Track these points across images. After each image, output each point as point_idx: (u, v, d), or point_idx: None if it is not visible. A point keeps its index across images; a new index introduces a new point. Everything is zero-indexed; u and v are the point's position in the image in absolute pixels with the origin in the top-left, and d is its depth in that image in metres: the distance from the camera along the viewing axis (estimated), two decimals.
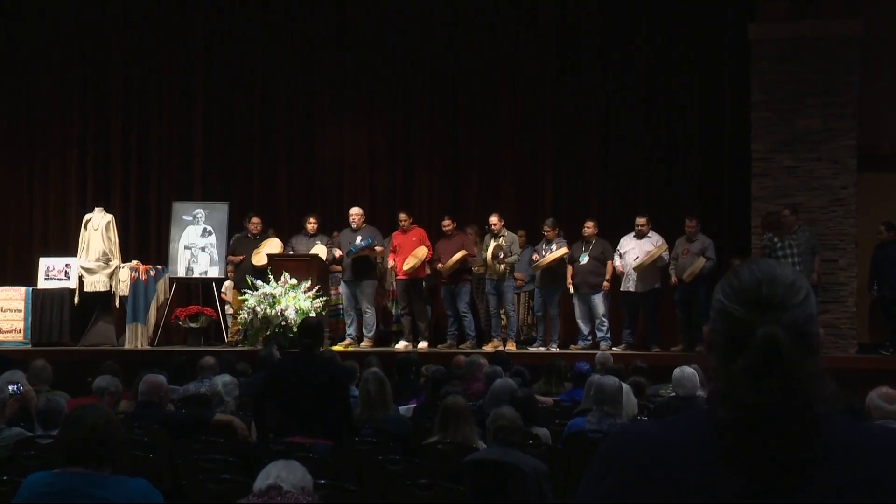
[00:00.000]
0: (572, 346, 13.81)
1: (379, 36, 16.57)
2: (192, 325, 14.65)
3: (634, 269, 13.45)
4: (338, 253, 14.04)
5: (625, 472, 1.78)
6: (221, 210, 15.46)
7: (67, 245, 15.88)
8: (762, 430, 1.69)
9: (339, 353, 12.03)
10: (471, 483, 5.51)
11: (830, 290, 13.46)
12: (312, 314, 12.81)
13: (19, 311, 14.57)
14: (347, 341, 13.94)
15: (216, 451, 6.37)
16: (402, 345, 13.86)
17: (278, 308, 13.08)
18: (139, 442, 6.49)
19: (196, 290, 15.73)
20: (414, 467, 6.09)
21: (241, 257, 14.45)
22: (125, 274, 14.54)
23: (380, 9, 16.53)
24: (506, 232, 13.75)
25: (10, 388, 6.99)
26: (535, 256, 13.75)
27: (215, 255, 15.17)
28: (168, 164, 16.97)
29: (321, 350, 10.90)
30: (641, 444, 1.80)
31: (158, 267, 14.95)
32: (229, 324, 14.62)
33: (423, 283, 14.13)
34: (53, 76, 17.07)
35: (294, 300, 13.11)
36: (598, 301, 13.58)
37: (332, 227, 15.19)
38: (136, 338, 14.27)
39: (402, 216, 14.02)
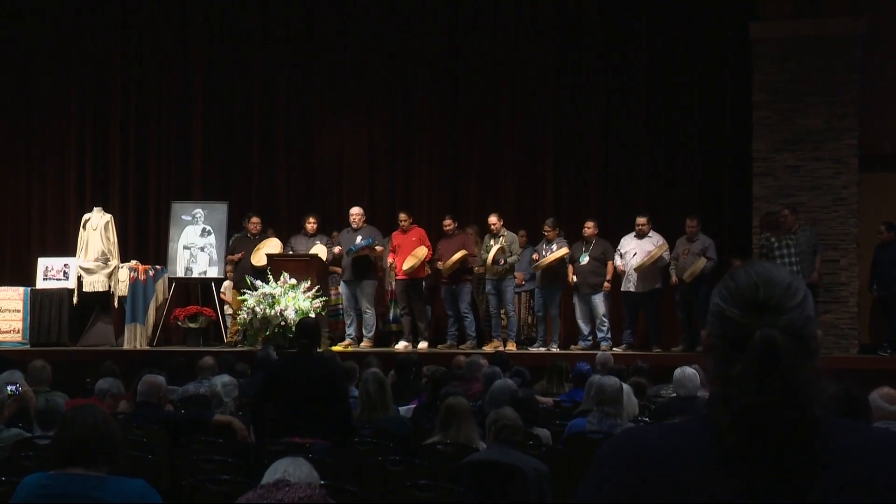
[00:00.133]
0: (573, 347, 13.78)
1: (379, 36, 16.54)
2: (191, 325, 14.62)
3: (635, 269, 13.42)
4: (337, 249, 14.01)
5: (623, 477, 1.77)
6: (221, 210, 15.44)
7: (66, 245, 15.86)
8: (761, 433, 1.69)
9: (339, 353, 12.00)
10: (471, 484, 5.47)
11: (832, 290, 13.44)
12: (312, 314, 12.77)
13: (18, 311, 14.55)
14: (347, 341, 13.92)
15: (215, 452, 6.35)
16: (401, 345, 13.83)
17: (278, 308, 13.04)
18: (138, 442, 6.46)
19: (195, 291, 15.70)
20: (414, 468, 6.06)
21: (240, 255, 14.42)
22: (124, 274, 14.51)
23: (380, 8, 16.50)
24: (505, 231, 13.73)
25: (9, 388, 6.97)
26: (535, 256, 13.72)
27: (214, 255, 15.14)
28: (167, 163, 16.95)
29: (320, 350, 10.93)
30: (640, 450, 1.79)
31: (157, 267, 14.93)
32: (228, 324, 14.59)
33: (423, 283, 14.10)
34: (52, 76, 17.04)
35: (293, 300, 13.07)
36: (599, 301, 13.55)
37: (332, 227, 15.17)
38: (135, 338, 14.25)
39: (402, 216, 14.00)
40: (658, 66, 15.54)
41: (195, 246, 15.22)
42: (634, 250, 13.56)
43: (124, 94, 16.98)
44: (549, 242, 13.61)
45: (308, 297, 13.17)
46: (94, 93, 17.06)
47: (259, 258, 14.14)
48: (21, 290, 14.77)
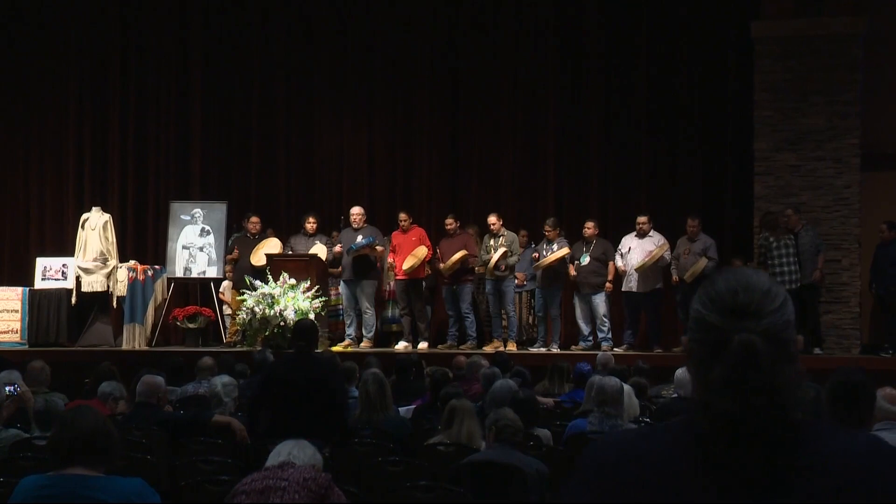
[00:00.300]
0: (573, 347, 13.76)
1: (379, 36, 16.51)
2: (190, 325, 14.58)
3: (636, 269, 13.39)
4: (337, 248, 13.97)
5: (601, 482, 1.78)
6: (220, 210, 15.40)
7: (64, 245, 15.82)
8: (740, 438, 1.69)
9: (339, 353, 11.96)
10: (471, 484, 5.44)
11: (833, 290, 13.42)
12: (311, 315, 12.74)
13: (16, 311, 14.51)
14: (347, 342, 13.88)
15: (214, 453, 6.33)
16: (401, 345, 13.80)
17: (277, 308, 13.00)
18: (137, 443, 6.43)
19: (194, 291, 15.67)
20: (414, 468, 6.05)
21: (236, 253, 14.38)
22: (123, 274, 14.47)
23: (380, 8, 16.47)
24: (505, 231, 13.70)
25: (7, 389, 6.94)
26: (534, 256, 13.69)
27: (213, 255, 15.11)
28: (166, 163, 16.91)
29: (319, 351, 10.90)
30: (619, 454, 1.80)
31: (156, 267, 14.90)
32: (227, 324, 14.55)
33: (423, 284, 14.07)
34: (51, 75, 17.01)
35: (293, 300, 13.04)
36: (600, 301, 13.52)
37: (332, 226, 15.14)
38: (134, 338, 14.21)
39: (402, 216, 13.97)
40: (659, 65, 15.52)
41: (194, 246, 15.18)
42: (635, 250, 13.52)
43: (123, 94, 16.94)
44: (550, 242, 13.59)
45: (307, 297, 13.13)
46: (92, 92, 17.01)
47: (258, 258, 14.10)
48: (19, 290, 14.73)
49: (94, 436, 3.91)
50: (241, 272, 14.05)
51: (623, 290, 13.63)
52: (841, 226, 13.52)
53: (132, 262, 14.74)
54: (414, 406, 8.78)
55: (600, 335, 13.55)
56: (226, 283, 14.80)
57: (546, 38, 16.01)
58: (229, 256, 14.63)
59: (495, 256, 13.41)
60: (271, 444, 5.72)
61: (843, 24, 13.52)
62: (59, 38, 16.99)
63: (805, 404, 1.62)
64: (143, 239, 16.71)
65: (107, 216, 14.90)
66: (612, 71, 15.77)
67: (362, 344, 13.79)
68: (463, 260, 13.52)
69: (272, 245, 14.40)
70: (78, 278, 14.60)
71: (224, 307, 14.73)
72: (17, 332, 14.45)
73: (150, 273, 14.52)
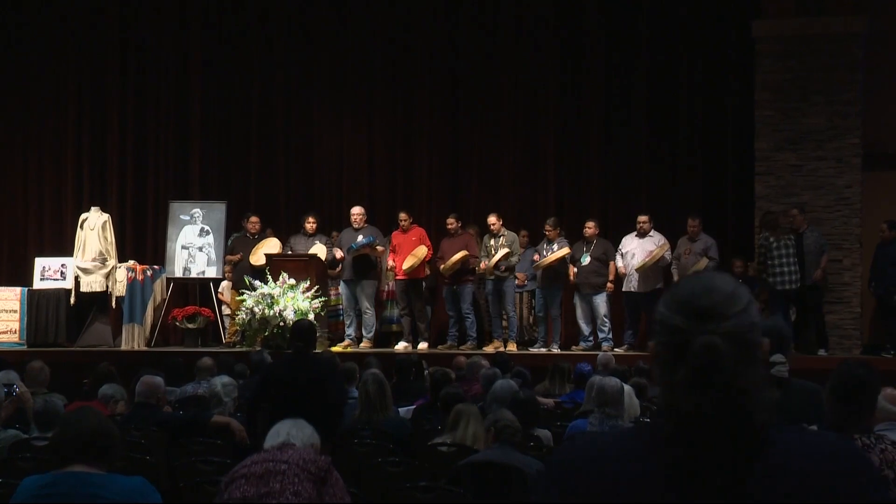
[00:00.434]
0: (573, 347, 13.73)
1: (379, 35, 16.48)
2: (190, 325, 14.55)
3: (637, 269, 13.36)
4: (338, 254, 13.94)
5: (567, 484, 1.80)
6: (219, 209, 15.37)
7: (63, 245, 15.80)
8: (702, 440, 1.70)
9: (339, 353, 11.93)
10: (471, 485, 5.42)
11: (835, 290, 13.39)
12: (311, 315, 12.71)
13: (15, 311, 14.47)
14: (346, 342, 13.86)
15: (214, 453, 6.30)
16: (401, 346, 13.77)
17: (276, 309, 12.97)
18: (136, 444, 6.40)
19: (193, 291, 15.65)
20: (414, 469, 6.04)
21: (239, 255, 14.36)
22: (122, 274, 14.44)
23: (380, 8, 16.44)
24: (505, 231, 13.67)
25: (6, 389, 6.91)
26: (535, 256, 13.67)
27: (213, 255, 15.07)
28: (165, 162, 16.88)
29: (319, 351, 10.88)
30: (582, 459, 1.82)
31: (155, 267, 14.87)
32: (227, 324, 14.52)
33: (423, 284, 14.04)
34: (50, 75, 16.97)
35: (292, 301, 13.00)
36: (601, 301, 13.49)
37: (331, 226, 15.11)
38: (133, 339, 14.18)
39: (403, 215, 13.94)
40: (659, 64, 15.49)
41: (193, 246, 15.15)
42: (636, 250, 13.50)
43: (122, 93, 16.91)
44: (550, 242, 13.56)
45: (307, 297, 13.10)
46: (92, 92, 16.98)
47: (258, 258, 14.07)
48: (18, 290, 14.69)
49: (95, 435, 3.93)
50: (240, 272, 14.02)
51: (623, 290, 13.60)
52: (842, 226, 13.50)
53: (131, 262, 14.71)
54: (413, 407, 8.74)
55: (601, 335, 13.52)
56: (225, 284, 14.78)
57: (546, 37, 15.98)
58: (230, 257, 14.58)
59: (497, 255, 13.38)
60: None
61: (844, 24, 13.50)
62: (58, 37, 16.94)
63: (770, 406, 1.63)
64: (142, 239, 16.68)
65: (106, 216, 14.88)
66: (612, 71, 15.74)
67: (362, 344, 13.77)
68: (464, 260, 13.49)
69: (271, 245, 14.37)
70: (77, 278, 14.57)
71: (223, 307, 14.70)
72: (15, 333, 14.42)
73: (149, 273, 14.49)
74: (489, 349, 13.19)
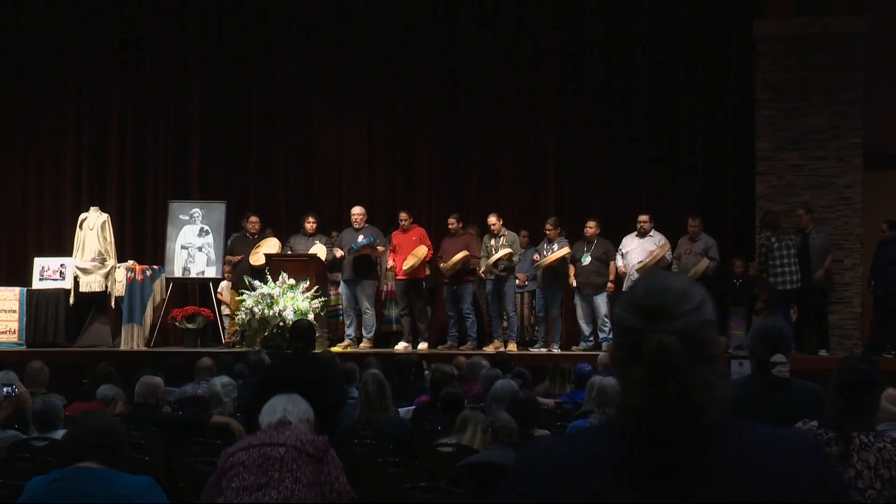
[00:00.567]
0: (574, 348, 13.70)
1: (379, 34, 16.46)
2: (189, 325, 14.53)
3: (637, 270, 13.32)
4: (339, 253, 13.92)
5: (522, 488, 1.82)
6: (219, 209, 15.33)
7: (62, 245, 15.78)
8: (655, 438, 1.72)
9: (338, 354, 11.91)
10: (470, 485, 5.40)
11: (836, 290, 13.36)
12: (311, 315, 12.69)
13: (14, 311, 14.45)
14: (346, 342, 13.83)
15: (213, 454, 6.26)
16: (401, 346, 13.75)
17: (276, 309, 12.95)
18: (136, 444, 6.38)
19: (193, 291, 15.62)
20: (413, 469, 6.04)
21: (240, 257, 14.33)
22: (121, 274, 14.42)
23: (380, 8, 16.42)
24: (506, 231, 13.64)
25: (5, 389, 6.90)
26: (535, 256, 13.65)
27: (212, 255, 15.04)
28: (164, 162, 16.85)
29: (318, 352, 10.86)
30: (538, 459, 1.84)
31: (155, 267, 14.84)
32: (226, 325, 14.50)
33: (423, 284, 14.02)
34: (49, 74, 16.94)
35: (292, 301, 12.98)
36: (601, 301, 13.46)
37: (331, 226, 15.08)
38: (132, 339, 14.15)
39: (403, 215, 13.92)
40: (660, 64, 15.47)
41: (193, 246, 15.12)
42: (636, 250, 13.47)
43: (122, 93, 16.88)
44: (551, 242, 13.54)
45: (307, 297, 13.08)
46: (91, 92, 16.95)
47: (257, 258, 14.05)
48: (17, 290, 14.67)
49: (104, 434, 4.00)
50: (240, 272, 13.99)
51: (624, 290, 13.55)
52: (843, 225, 13.47)
53: (130, 262, 14.69)
54: (414, 407, 8.72)
55: (601, 335, 13.48)
56: (224, 284, 14.75)
57: (546, 37, 15.96)
58: (230, 258, 14.55)
59: (499, 254, 13.35)
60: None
61: (845, 24, 13.48)
62: (58, 37, 16.91)
63: (724, 403, 1.65)
64: (141, 239, 16.65)
65: (105, 216, 14.85)
66: (612, 70, 15.72)
67: (362, 344, 13.75)
68: (464, 260, 13.47)
69: (271, 245, 14.35)
70: (76, 278, 14.55)
71: (222, 307, 14.67)
72: (14, 333, 14.40)
73: (148, 273, 14.45)
74: (489, 349, 13.17)
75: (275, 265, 13.44)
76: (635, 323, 1.77)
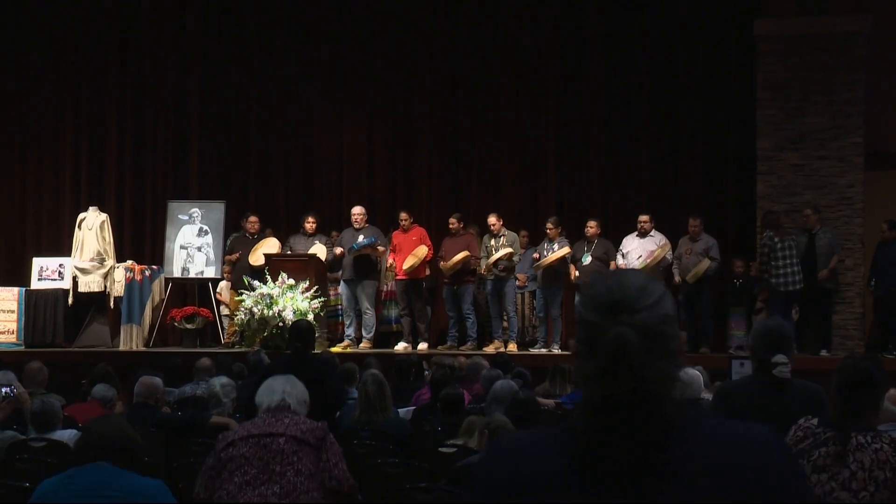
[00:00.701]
0: None
1: (379, 34, 16.44)
2: (188, 326, 14.50)
3: None
4: (339, 250, 13.89)
5: (488, 481, 1.84)
6: (218, 209, 15.29)
7: (61, 245, 15.76)
8: (612, 432, 1.73)
9: (338, 354, 11.89)
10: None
11: (836, 290, 13.30)
12: (310, 315, 12.66)
13: (12, 311, 14.42)
14: (346, 342, 13.81)
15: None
16: (401, 346, 13.72)
17: (276, 309, 12.92)
18: None
19: (192, 291, 15.60)
20: (413, 470, 6.03)
21: (237, 255, 14.30)
22: (120, 274, 14.39)
23: (380, 8, 16.40)
24: (506, 231, 13.61)
25: (4, 390, 6.87)
26: (535, 256, 13.62)
27: (211, 255, 15.01)
28: (163, 162, 16.83)
29: (318, 352, 10.83)
30: (503, 455, 1.85)
31: (154, 267, 14.80)
32: (225, 325, 14.47)
33: (423, 284, 14.00)
34: (48, 74, 16.91)
35: (292, 301, 12.96)
36: None
37: (331, 226, 15.06)
38: (131, 339, 14.13)
39: (403, 215, 13.90)
40: (660, 63, 15.46)
41: (192, 246, 15.08)
42: (637, 250, 13.44)
43: (120, 92, 16.86)
44: (551, 242, 13.51)
45: (306, 297, 13.05)
46: (90, 91, 16.93)
47: (257, 258, 14.02)
48: (16, 290, 14.64)
49: (117, 437, 4.09)
50: (239, 272, 13.97)
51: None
52: (845, 225, 13.44)
53: (129, 262, 14.65)
54: (414, 407, 8.70)
55: None
56: (223, 284, 14.72)
57: (546, 37, 15.94)
58: (229, 258, 14.53)
59: (500, 253, 13.32)
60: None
61: (846, 23, 13.46)
62: (57, 37, 16.89)
63: (682, 399, 1.66)
64: (140, 239, 16.63)
65: (104, 216, 14.81)
66: (612, 69, 15.71)
67: (362, 345, 13.72)
68: (465, 261, 13.45)
69: (271, 245, 14.32)
70: (75, 278, 14.52)
71: (222, 307, 14.64)
72: (13, 333, 14.37)
73: (147, 273, 14.42)
74: (490, 349, 13.15)
75: (274, 265, 13.41)
76: (595, 318, 1.78)
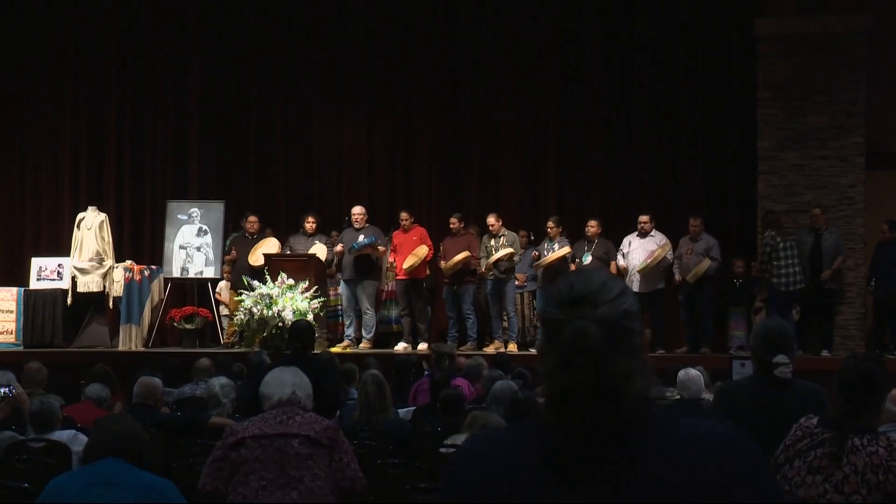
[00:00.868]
0: None
1: (378, 33, 16.44)
2: (188, 326, 14.47)
3: (639, 271, 13.28)
4: (338, 247, 13.86)
5: (458, 479, 1.86)
6: (217, 209, 15.26)
7: (60, 245, 15.74)
8: (574, 425, 1.75)
9: (338, 354, 11.87)
10: None
11: (838, 290, 13.28)
12: (310, 315, 12.64)
13: (11, 311, 14.40)
14: (346, 343, 13.79)
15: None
16: (401, 346, 13.70)
17: (275, 309, 12.90)
18: None
19: (191, 291, 15.57)
20: (413, 470, 6.03)
21: (235, 254, 14.28)
22: (119, 274, 14.37)
23: (379, 8, 16.39)
24: (505, 231, 13.59)
25: (2, 390, 6.86)
26: (534, 255, 13.61)
27: (211, 255, 14.98)
28: (163, 161, 16.80)
29: (318, 352, 10.81)
30: (473, 452, 1.88)
31: (153, 267, 14.77)
32: (225, 325, 14.45)
33: (423, 284, 13.98)
34: (46, 73, 16.89)
35: (291, 301, 12.93)
36: None
37: (331, 226, 15.04)
38: (130, 339, 14.11)
39: (404, 215, 13.88)
40: (661, 63, 15.45)
41: (191, 246, 15.05)
42: (637, 250, 13.42)
43: (119, 91, 16.84)
44: (552, 241, 13.50)
45: (306, 297, 13.03)
46: (89, 91, 16.90)
47: (256, 258, 13.99)
48: (14, 290, 14.62)
49: (129, 435, 4.15)
50: (238, 272, 13.94)
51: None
52: (846, 225, 13.41)
53: (128, 262, 14.63)
54: (413, 408, 8.68)
55: None
56: (223, 284, 14.69)
57: (546, 37, 15.93)
58: (228, 257, 14.51)
59: (500, 252, 13.30)
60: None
61: (847, 22, 13.44)
62: (56, 37, 16.87)
63: (643, 393, 1.68)
64: (139, 239, 16.61)
65: (103, 216, 14.78)
66: (613, 69, 15.70)
67: (361, 345, 13.70)
68: (465, 261, 13.43)
69: (270, 245, 14.29)
70: (74, 278, 14.50)
71: (221, 308, 14.62)
72: (12, 333, 14.35)
73: (146, 273, 14.39)
74: (490, 350, 13.13)
75: (274, 265, 13.39)
76: (556, 313, 1.80)
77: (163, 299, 14.61)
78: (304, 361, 7.15)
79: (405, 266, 13.53)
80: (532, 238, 14.45)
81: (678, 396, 8.26)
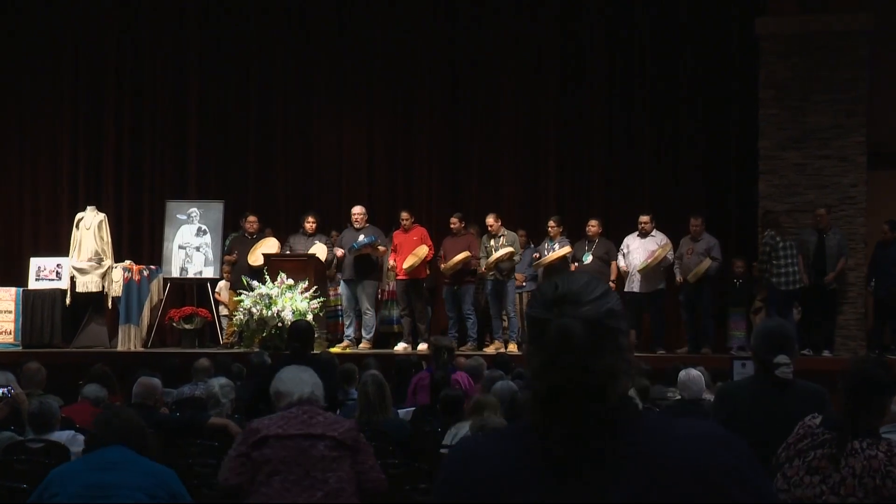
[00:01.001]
0: None
1: (379, 35, 16.41)
2: (187, 326, 14.45)
3: (639, 271, 13.26)
4: (339, 252, 13.85)
5: (453, 481, 1.87)
6: (217, 209, 15.23)
7: (59, 245, 15.70)
8: (557, 425, 1.76)
9: (337, 354, 11.85)
10: None
11: (839, 290, 13.27)
12: (309, 316, 12.62)
13: (10, 312, 14.37)
14: (346, 343, 13.77)
15: (211, 455, 6.24)
16: (401, 346, 13.68)
17: (275, 309, 12.88)
18: None
19: (190, 291, 15.55)
20: (413, 471, 6.01)
21: (235, 255, 14.26)
22: (118, 274, 14.34)
23: (379, 8, 16.37)
24: (505, 231, 13.57)
25: (1, 390, 6.85)
26: (535, 255, 13.59)
27: (210, 255, 14.95)
28: (162, 161, 16.79)
29: (318, 352, 10.79)
30: (467, 454, 1.89)
31: (152, 267, 14.74)
32: (224, 325, 14.42)
33: (423, 284, 13.96)
34: (45, 73, 16.88)
35: (291, 301, 12.91)
36: None
37: (331, 226, 15.02)
38: (130, 339, 14.08)
39: (404, 215, 13.86)
40: (662, 62, 15.44)
41: (190, 245, 15.02)
42: (638, 250, 13.40)
43: (118, 91, 16.83)
44: (552, 241, 13.48)
45: (306, 297, 13.01)
46: (88, 90, 16.89)
47: (256, 258, 13.97)
48: (13, 290, 14.59)
49: (131, 423, 4.26)
50: (238, 272, 13.92)
51: (625, 290, 13.48)
52: (848, 225, 13.38)
53: (127, 262, 14.60)
54: (413, 408, 8.66)
55: None
56: (222, 284, 14.67)
57: (546, 36, 15.92)
58: (228, 258, 14.48)
59: (500, 252, 13.27)
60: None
61: (849, 21, 13.42)
62: (56, 37, 16.85)
63: (623, 393, 1.69)
64: (138, 239, 16.59)
65: (102, 215, 14.76)
66: (614, 69, 15.69)
67: (361, 345, 13.68)
68: (465, 261, 13.41)
69: (270, 245, 14.27)
70: (72, 278, 14.47)
71: (220, 308, 14.60)
72: (10, 334, 14.32)
73: (145, 273, 14.37)
74: (490, 350, 13.12)
75: (273, 265, 13.37)
76: (542, 313, 1.81)
77: (162, 299, 14.59)
78: (303, 361, 7.12)
79: (405, 266, 13.51)
80: (532, 245, 14.37)
81: (679, 397, 8.25)
